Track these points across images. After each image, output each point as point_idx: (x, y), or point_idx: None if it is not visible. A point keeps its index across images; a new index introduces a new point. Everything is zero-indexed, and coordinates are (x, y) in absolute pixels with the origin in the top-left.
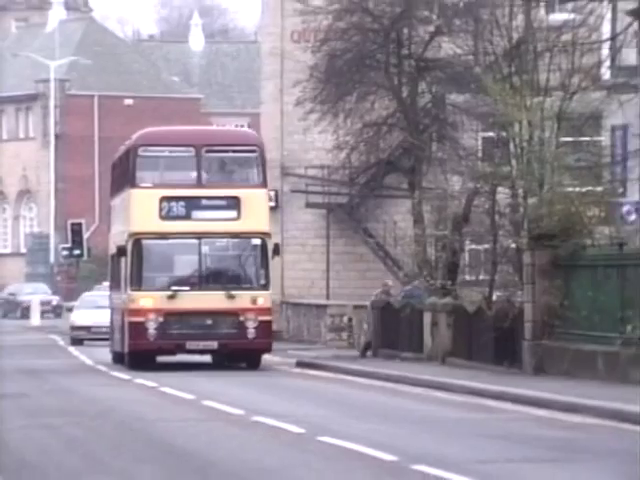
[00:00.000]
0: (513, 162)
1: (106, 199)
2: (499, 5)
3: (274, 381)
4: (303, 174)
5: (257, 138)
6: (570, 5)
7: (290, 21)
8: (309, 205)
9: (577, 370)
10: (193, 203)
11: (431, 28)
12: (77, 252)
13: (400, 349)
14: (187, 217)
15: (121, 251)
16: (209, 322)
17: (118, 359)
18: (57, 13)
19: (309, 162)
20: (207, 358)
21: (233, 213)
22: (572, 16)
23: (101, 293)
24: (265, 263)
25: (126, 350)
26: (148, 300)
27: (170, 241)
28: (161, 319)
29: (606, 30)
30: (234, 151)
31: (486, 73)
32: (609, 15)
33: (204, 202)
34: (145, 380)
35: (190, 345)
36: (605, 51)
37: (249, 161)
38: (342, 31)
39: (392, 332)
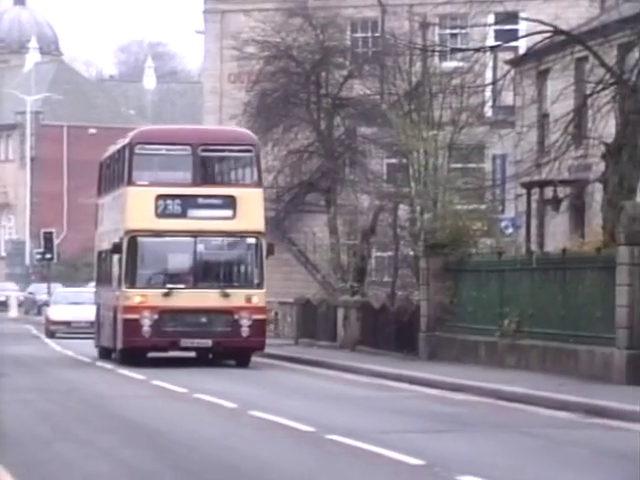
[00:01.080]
0: (412, 184)
1: (73, 211)
2: (401, 54)
3: (213, 365)
4: None
5: (253, 138)
6: (459, 54)
7: (228, 65)
8: None
9: (463, 357)
10: (189, 201)
11: (345, 72)
12: (48, 256)
13: (317, 338)
14: (183, 215)
15: (116, 248)
16: (203, 320)
17: (105, 354)
18: (33, 56)
19: None
20: (192, 354)
21: (229, 212)
22: (461, 64)
23: (74, 289)
24: (259, 262)
25: (119, 346)
26: (143, 297)
27: (166, 239)
28: (156, 316)
29: (488, 76)
30: (230, 150)
31: (390, 110)
32: (491, 63)
33: (200, 201)
34: (104, 364)
35: (184, 342)
36: (488, 93)
37: (245, 160)
38: (271, 74)
39: (311, 324)
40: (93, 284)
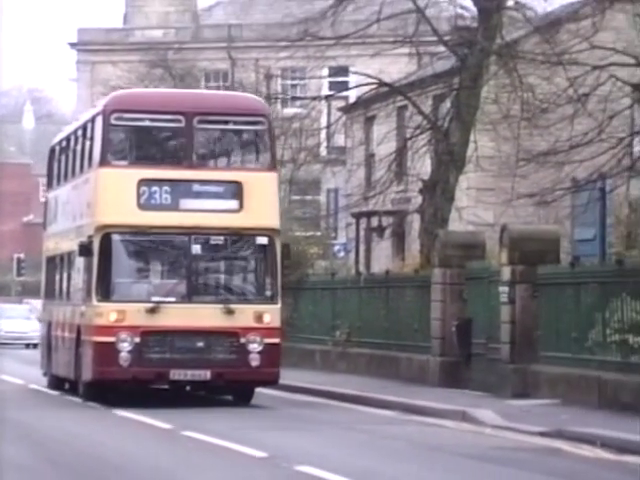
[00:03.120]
0: None
1: None
2: None
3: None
4: None
5: (265, 107)
6: (298, 102)
7: None
8: None
9: (302, 363)
10: (182, 189)
11: None
12: None
13: None
14: (173, 207)
15: (83, 250)
16: (200, 344)
17: (57, 384)
18: None
19: None
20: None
21: (233, 203)
22: (300, 110)
23: None
24: (273, 269)
25: (86, 377)
26: (120, 314)
27: (151, 237)
28: (137, 339)
29: (323, 121)
30: (236, 122)
31: None
32: (326, 110)
33: (196, 188)
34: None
35: (175, 374)
36: (323, 135)
37: (255, 135)
38: None
39: None
40: None
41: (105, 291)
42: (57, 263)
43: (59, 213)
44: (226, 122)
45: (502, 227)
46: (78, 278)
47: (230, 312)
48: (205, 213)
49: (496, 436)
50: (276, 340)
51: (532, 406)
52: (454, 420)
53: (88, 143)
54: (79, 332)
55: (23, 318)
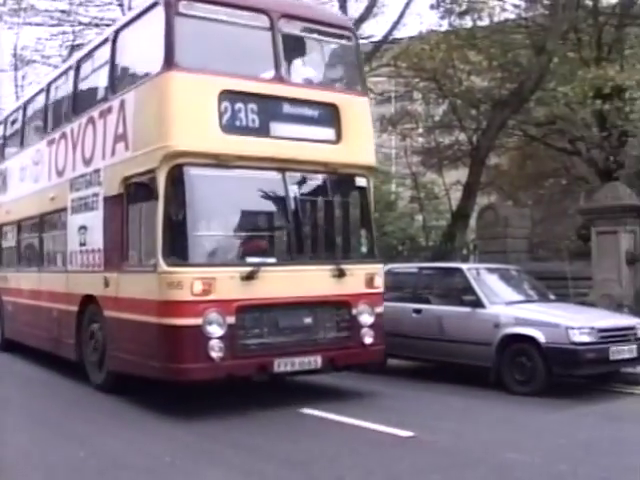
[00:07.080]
0: None
1: None
2: None
3: None
4: None
5: (350, 22)
6: None
7: None
8: None
9: None
10: (272, 108)
11: None
12: None
13: None
14: (264, 132)
15: (141, 189)
16: (308, 321)
17: (8, 347)
18: None
19: None
20: None
21: (331, 132)
22: None
23: None
24: (369, 218)
25: (156, 375)
26: (207, 284)
27: (237, 172)
28: (231, 319)
29: None
30: (322, 32)
31: None
32: None
33: (287, 108)
34: None
35: (280, 365)
36: None
37: (346, 52)
38: None
39: None
40: None
41: (180, 250)
42: (24, 228)
43: (26, 175)
44: (312, 30)
45: None
46: (75, 239)
47: (341, 275)
48: (301, 142)
49: None
50: (382, 309)
51: None
52: None
53: (145, 42)
54: (82, 304)
55: None
